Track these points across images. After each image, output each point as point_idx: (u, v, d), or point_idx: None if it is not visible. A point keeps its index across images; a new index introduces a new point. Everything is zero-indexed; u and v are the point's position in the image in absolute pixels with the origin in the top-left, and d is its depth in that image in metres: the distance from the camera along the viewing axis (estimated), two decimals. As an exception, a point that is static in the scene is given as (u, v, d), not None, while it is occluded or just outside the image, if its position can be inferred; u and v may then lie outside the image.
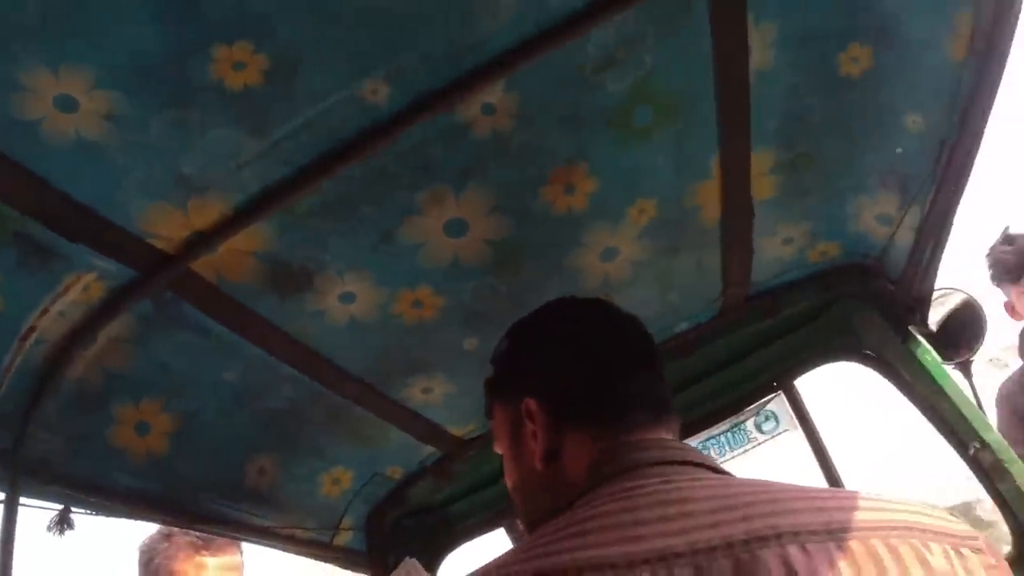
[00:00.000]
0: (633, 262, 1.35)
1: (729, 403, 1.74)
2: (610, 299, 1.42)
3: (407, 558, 1.87)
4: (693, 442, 1.92)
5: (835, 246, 1.51)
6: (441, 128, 1.04)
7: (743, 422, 1.70)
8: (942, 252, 1.42)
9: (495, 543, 1.96)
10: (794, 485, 0.78)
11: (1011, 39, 1.04)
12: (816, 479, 1.73)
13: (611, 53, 1.02)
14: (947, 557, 0.69)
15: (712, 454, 1.87)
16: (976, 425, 1.55)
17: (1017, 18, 1.02)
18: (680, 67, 1.07)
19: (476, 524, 1.91)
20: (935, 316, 1.67)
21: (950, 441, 1.59)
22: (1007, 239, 2.46)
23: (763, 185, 1.30)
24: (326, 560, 1.88)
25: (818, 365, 1.74)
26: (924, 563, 0.67)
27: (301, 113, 0.95)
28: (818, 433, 1.72)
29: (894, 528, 0.70)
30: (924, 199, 1.32)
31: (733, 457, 1.72)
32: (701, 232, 1.34)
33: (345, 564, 1.88)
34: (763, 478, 0.79)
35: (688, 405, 1.71)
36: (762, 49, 1.08)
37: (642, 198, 1.24)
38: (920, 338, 1.60)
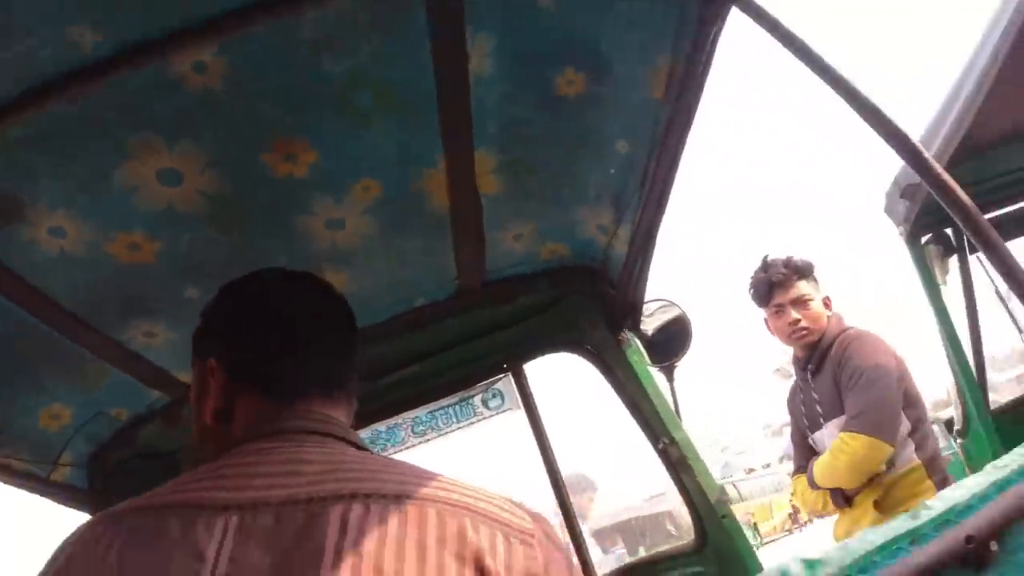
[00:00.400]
0: (361, 235, 1.40)
1: (460, 378, 1.86)
2: (340, 268, 1.48)
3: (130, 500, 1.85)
4: (423, 411, 2.03)
5: (563, 248, 1.64)
6: (153, 80, 1.05)
7: (471, 397, 1.82)
8: (649, 265, 1.58)
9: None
10: (400, 462, 0.87)
11: (703, 84, 1.17)
12: (533, 455, 1.89)
13: (329, 36, 1.06)
14: (491, 540, 0.79)
15: (439, 423, 1.96)
16: (668, 423, 1.75)
17: (709, 67, 1.16)
18: (400, 62, 1.12)
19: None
20: (652, 323, 1.85)
21: (645, 434, 1.78)
22: (763, 266, 2.75)
23: (489, 182, 1.39)
24: (44, 495, 1.82)
25: (545, 354, 1.89)
26: (462, 536, 0.78)
27: (7, 47, 0.93)
28: (539, 414, 1.87)
29: (453, 505, 0.80)
30: (633, 216, 1.47)
31: (459, 428, 1.84)
32: (431, 218, 1.41)
33: (64, 500, 1.84)
34: (403, 459, 0.89)
35: (421, 376, 1.81)
36: (480, 57, 1.15)
37: (366, 177, 1.29)
38: (633, 340, 1.78)
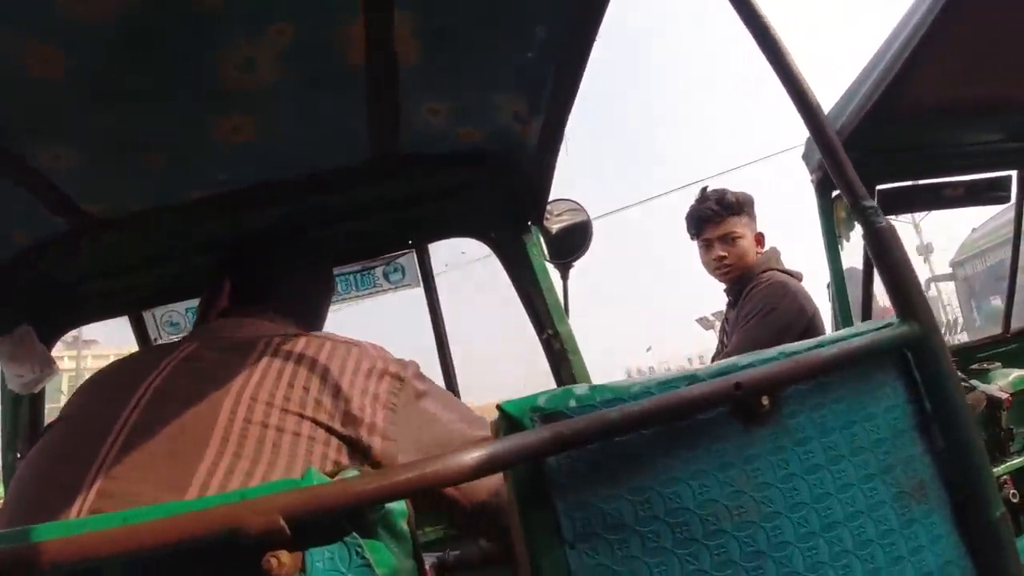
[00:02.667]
0: (272, 82, 1.40)
1: (365, 249, 1.91)
2: (248, 113, 1.49)
3: (23, 325, 1.87)
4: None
5: (478, 132, 1.67)
6: None
7: (373, 268, 1.87)
8: (555, 159, 1.64)
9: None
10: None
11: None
12: (425, 332, 1.97)
13: None
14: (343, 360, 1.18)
15: (338, 289, 2.02)
16: (555, 316, 1.85)
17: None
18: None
19: (101, 308, 1.94)
20: (558, 223, 1.93)
21: (533, 324, 1.88)
22: (699, 199, 2.84)
23: (408, 47, 1.40)
24: (-61, 308, 1.82)
25: (450, 236, 1.95)
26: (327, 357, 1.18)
27: None
28: (437, 294, 1.95)
29: (325, 338, 1.22)
30: (543, 110, 1.52)
31: (358, 296, 1.90)
32: (345, 76, 1.43)
33: (-41, 316, 1.84)
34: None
35: (327, 240, 1.84)
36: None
37: (282, 21, 1.29)
38: (536, 234, 1.85)
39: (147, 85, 1.36)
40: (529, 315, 1.88)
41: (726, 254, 2.69)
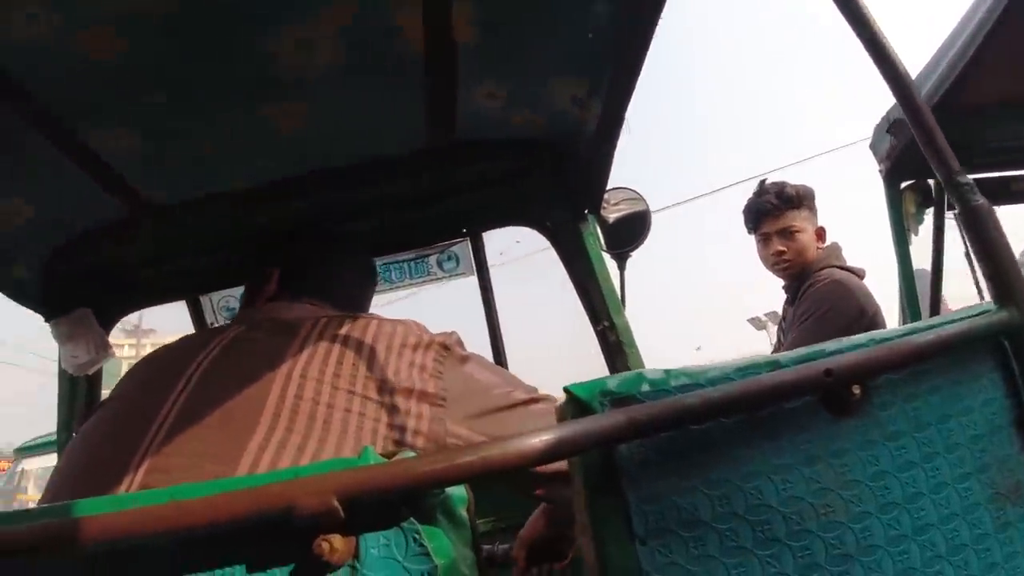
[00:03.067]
0: (330, 67, 1.38)
1: (418, 236, 1.88)
2: (301, 100, 1.47)
3: (82, 307, 1.89)
4: (378, 262, 2.06)
5: (536, 117, 1.63)
6: None
7: (427, 256, 1.84)
8: (615, 145, 1.58)
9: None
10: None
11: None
12: (479, 323, 1.93)
13: None
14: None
15: (392, 276, 2.01)
16: (611, 308, 1.79)
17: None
18: None
19: (158, 292, 1.95)
20: (615, 212, 1.87)
21: (588, 314, 1.82)
22: (757, 192, 2.75)
23: (466, 30, 1.36)
24: (1, 291, 1.85)
25: (506, 225, 1.90)
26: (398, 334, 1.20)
27: None
28: (490, 283, 1.91)
29: (380, 319, 1.25)
30: (604, 92, 1.46)
31: (412, 284, 1.88)
32: (402, 60, 1.40)
33: (18, 298, 1.87)
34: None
35: (382, 228, 1.82)
36: None
37: (340, 4, 1.27)
38: (592, 223, 1.80)
39: (204, 70, 1.35)
40: (584, 306, 1.83)
41: (785, 249, 2.59)
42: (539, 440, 0.55)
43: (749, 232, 2.75)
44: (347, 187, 1.69)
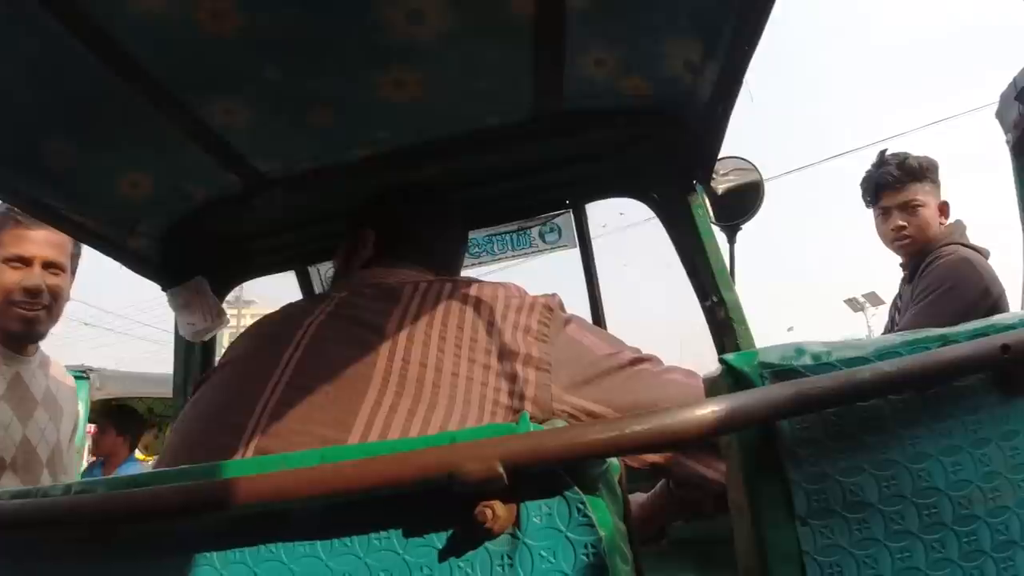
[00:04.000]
0: (440, 33, 1.37)
1: (521, 207, 1.86)
2: (416, 69, 1.47)
3: (198, 277, 1.97)
4: (480, 234, 2.06)
5: (645, 84, 1.58)
6: None
7: (529, 228, 1.82)
8: (730, 113, 1.52)
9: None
10: None
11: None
12: (580, 294, 1.91)
13: None
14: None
15: (495, 248, 2.00)
16: (720, 283, 1.73)
17: None
18: None
19: (271, 262, 2.01)
20: (725, 183, 1.81)
21: (695, 289, 1.77)
22: (877, 163, 2.61)
23: (577, -7, 1.33)
24: (120, 260, 1.94)
25: (609, 196, 1.87)
26: (497, 301, 1.20)
27: None
28: (593, 256, 1.88)
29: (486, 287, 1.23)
30: (723, 54, 1.40)
31: (514, 256, 1.86)
32: (512, 24, 1.37)
33: (136, 268, 1.95)
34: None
35: (483, 199, 1.81)
36: None
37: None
38: (701, 194, 1.74)
39: (314, 39, 1.36)
40: (692, 281, 1.78)
41: (906, 224, 2.45)
42: (708, 412, 0.52)
43: (867, 205, 2.61)
44: (454, 157, 1.69)
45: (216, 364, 1.30)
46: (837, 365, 0.61)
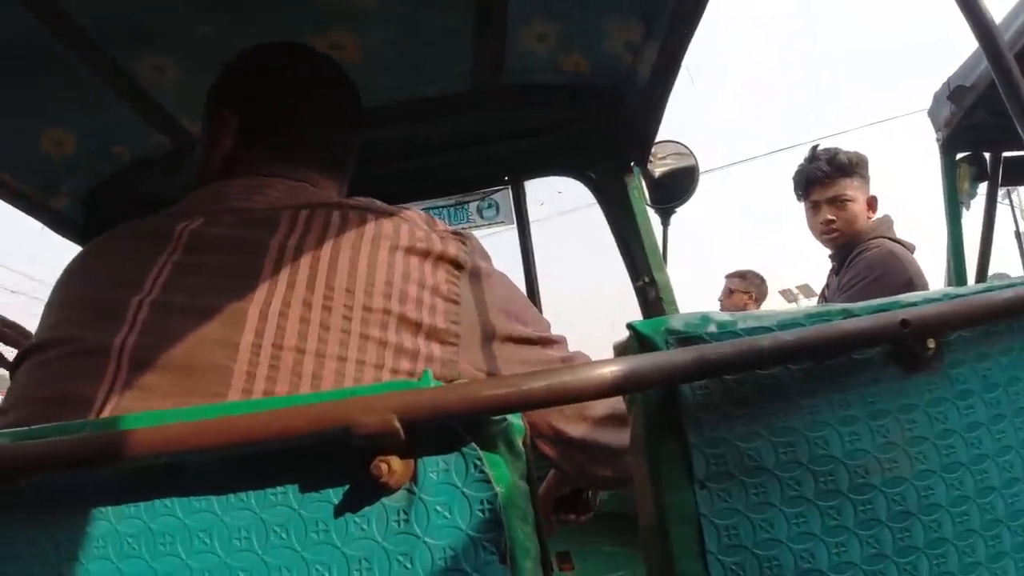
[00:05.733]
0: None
1: (460, 181, 1.85)
2: (353, 33, 1.44)
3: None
4: (419, 207, 2.04)
5: (585, 62, 1.58)
6: None
7: (468, 203, 1.82)
8: (668, 96, 1.53)
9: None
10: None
11: None
12: (517, 273, 1.91)
13: None
14: (428, 236, 0.95)
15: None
16: (653, 263, 1.75)
17: None
18: None
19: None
20: (662, 166, 1.83)
21: (628, 269, 1.79)
22: (809, 157, 2.67)
23: (520, -35, 1.32)
24: (41, 220, 1.86)
25: (548, 175, 1.87)
26: (400, 233, 0.92)
27: None
28: (530, 233, 1.88)
29: (387, 212, 0.96)
30: (662, 35, 1.41)
31: (452, 230, 1.90)
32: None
33: (60, 230, 1.88)
34: None
35: (422, 171, 1.80)
36: None
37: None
38: (637, 176, 1.76)
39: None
40: (625, 261, 1.80)
41: (834, 218, 2.53)
42: (607, 371, 0.52)
43: (798, 199, 2.68)
44: (392, 126, 1.66)
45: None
46: (740, 333, 0.62)
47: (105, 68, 1.46)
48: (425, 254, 0.88)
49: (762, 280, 4.47)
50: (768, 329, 0.63)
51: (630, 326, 0.62)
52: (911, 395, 0.69)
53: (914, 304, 0.69)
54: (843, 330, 0.62)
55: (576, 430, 0.95)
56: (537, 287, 1.94)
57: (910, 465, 0.68)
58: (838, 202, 2.52)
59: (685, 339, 0.61)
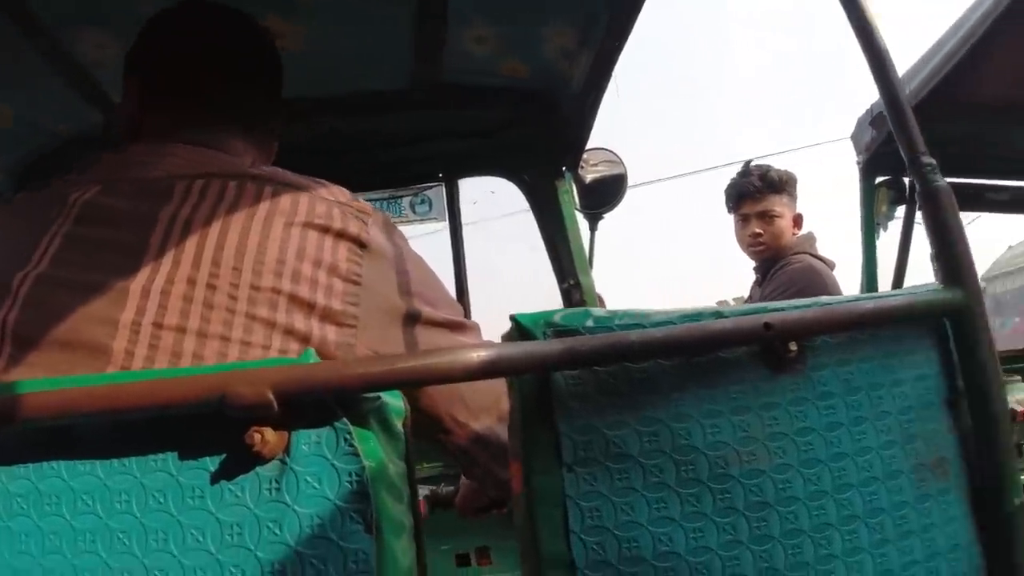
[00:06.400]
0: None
1: (394, 176, 1.87)
2: (298, 23, 1.44)
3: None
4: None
5: (523, 67, 1.62)
6: None
7: (401, 197, 1.84)
8: (599, 103, 1.59)
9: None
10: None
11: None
12: (447, 269, 1.94)
13: None
14: (328, 212, 0.89)
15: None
16: (579, 266, 1.81)
17: None
18: None
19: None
20: (593, 172, 1.88)
21: (555, 271, 1.84)
22: (741, 172, 2.77)
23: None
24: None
25: (482, 174, 1.91)
26: (300, 207, 0.87)
27: None
28: (461, 231, 1.92)
29: (293, 185, 0.90)
30: (595, 45, 1.46)
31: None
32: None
33: (-14, 203, 1.84)
34: None
35: (357, 163, 1.81)
36: None
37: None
38: (568, 180, 1.81)
39: None
40: (552, 263, 1.85)
41: (762, 232, 2.63)
42: (479, 356, 0.56)
43: (729, 211, 2.78)
44: (329, 117, 1.68)
45: None
46: (616, 329, 0.67)
47: (46, 43, 1.44)
48: (324, 230, 0.83)
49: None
50: (642, 326, 0.68)
51: (512, 317, 0.65)
52: (774, 394, 0.75)
53: (781, 309, 0.75)
54: (710, 330, 0.67)
55: (479, 424, 0.95)
56: (466, 283, 1.97)
57: (769, 459, 0.73)
58: (767, 217, 2.63)
59: (561, 331, 0.65)
